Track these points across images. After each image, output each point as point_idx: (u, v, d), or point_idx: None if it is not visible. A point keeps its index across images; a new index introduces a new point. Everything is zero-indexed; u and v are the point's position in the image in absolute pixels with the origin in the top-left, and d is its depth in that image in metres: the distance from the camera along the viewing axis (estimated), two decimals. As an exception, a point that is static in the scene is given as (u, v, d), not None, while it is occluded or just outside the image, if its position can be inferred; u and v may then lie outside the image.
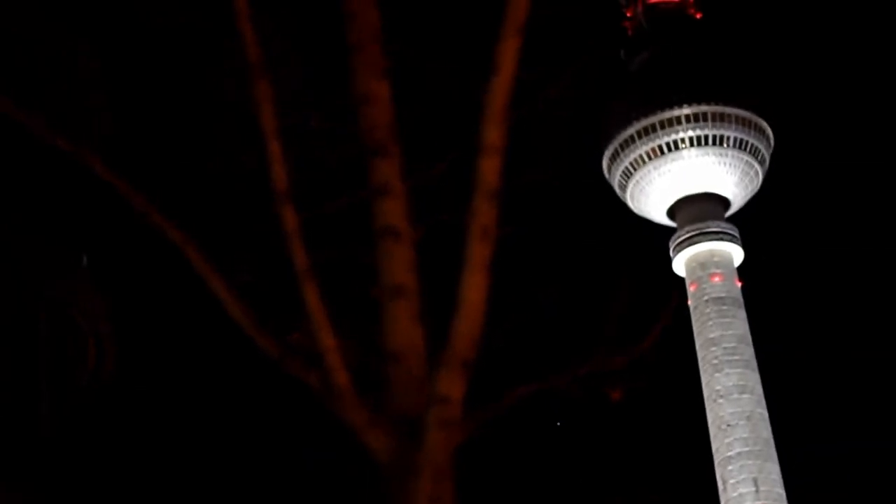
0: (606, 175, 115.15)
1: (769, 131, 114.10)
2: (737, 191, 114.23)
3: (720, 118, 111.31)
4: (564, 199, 14.21)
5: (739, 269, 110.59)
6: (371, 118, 11.65)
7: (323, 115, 12.71)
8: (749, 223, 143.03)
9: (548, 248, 14.89)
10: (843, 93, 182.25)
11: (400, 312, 11.30)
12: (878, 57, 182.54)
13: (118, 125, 12.77)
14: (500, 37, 11.36)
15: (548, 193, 13.62)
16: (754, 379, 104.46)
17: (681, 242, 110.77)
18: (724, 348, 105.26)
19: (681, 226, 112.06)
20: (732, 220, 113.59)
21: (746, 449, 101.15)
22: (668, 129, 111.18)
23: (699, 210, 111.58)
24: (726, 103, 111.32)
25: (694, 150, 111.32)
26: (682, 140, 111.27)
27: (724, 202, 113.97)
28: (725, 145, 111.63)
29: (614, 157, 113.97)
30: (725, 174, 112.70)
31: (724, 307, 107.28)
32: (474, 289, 11.15)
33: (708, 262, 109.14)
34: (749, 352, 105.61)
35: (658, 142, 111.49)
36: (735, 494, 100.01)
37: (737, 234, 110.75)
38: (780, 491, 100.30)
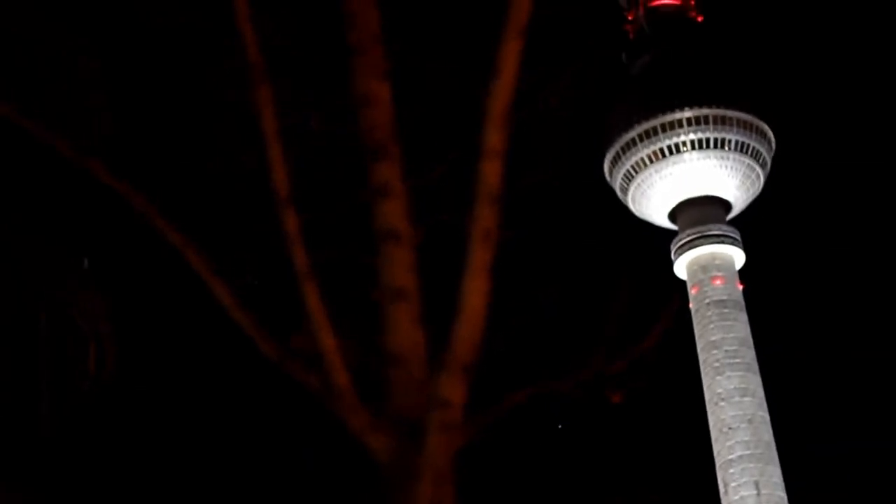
0: (608, 178, 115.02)
1: (770, 134, 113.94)
2: (738, 194, 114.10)
3: (722, 121, 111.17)
4: (565, 201, 14.17)
5: (741, 271, 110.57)
6: (371, 119, 11.63)
7: (323, 116, 12.67)
8: (750, 226, 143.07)
9: (549, 250, 14.85)
10: (844, 96, 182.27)
11: (401, 315, 11.28)
12: (879, 60, 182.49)
13: (118, 125, 12.73)
14: (502, 39, 11.31)
15: (549, 195, 13.57)
16: (755, 382, 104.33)
17: (682, 245, 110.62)
18: (726, 351, 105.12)
19: (682, 229, 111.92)
20: (734, 223, 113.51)
21: (748, 452, 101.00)
22: (669, 133, 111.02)
23: (700, 213, 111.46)
24: (728, 106, 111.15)
25: (695, 154, 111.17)
26: (684, 143, 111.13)
27: (726, 205, 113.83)
28: (727, 148, 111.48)
29: (616, 160, 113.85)
30: (727, 177, 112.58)
31: (726, 310, 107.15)
32: (475, 293, 11.13)
33: (709, 266, 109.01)
34: (750, 355, 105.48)
35: (659, 145, 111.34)
36: (736, 498, 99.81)
37: (738, 238, 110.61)
38: (782, 494, 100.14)
